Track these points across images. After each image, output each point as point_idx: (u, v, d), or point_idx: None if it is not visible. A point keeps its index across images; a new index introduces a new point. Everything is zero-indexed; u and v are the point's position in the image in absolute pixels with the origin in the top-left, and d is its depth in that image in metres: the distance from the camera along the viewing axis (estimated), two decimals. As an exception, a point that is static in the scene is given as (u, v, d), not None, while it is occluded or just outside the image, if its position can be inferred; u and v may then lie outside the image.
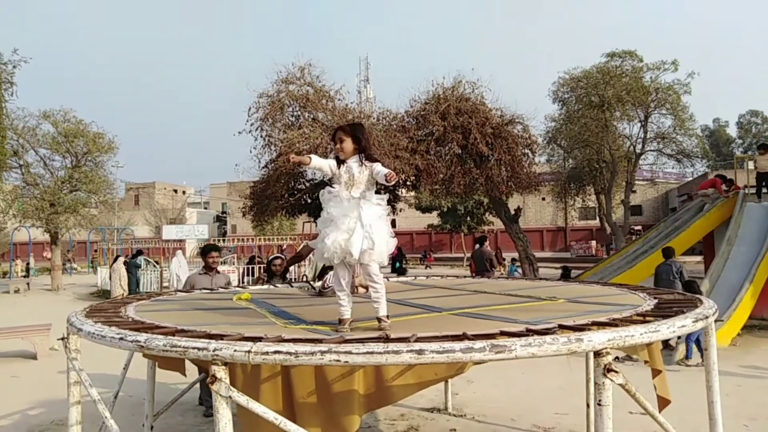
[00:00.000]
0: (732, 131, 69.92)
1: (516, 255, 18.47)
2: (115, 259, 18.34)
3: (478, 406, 6.01)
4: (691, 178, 40.80)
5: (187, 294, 5.26)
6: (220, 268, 7.15)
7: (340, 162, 2.98)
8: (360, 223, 2.80)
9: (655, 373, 3.40)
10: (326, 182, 15.19)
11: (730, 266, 10.65)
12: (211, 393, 2.33)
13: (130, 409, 5.86)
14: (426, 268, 34.90)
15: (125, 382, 4.34)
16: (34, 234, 30.40)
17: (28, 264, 30.54)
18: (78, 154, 23.39)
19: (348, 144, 2.96)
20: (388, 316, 2.84)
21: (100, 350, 3.28)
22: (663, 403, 3.40)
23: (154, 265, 20.20)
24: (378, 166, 2.89)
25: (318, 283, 5.34)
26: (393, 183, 2.89)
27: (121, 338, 2.62)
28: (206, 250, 6.61)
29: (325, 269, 5.72)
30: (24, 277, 26.62)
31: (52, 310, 14.86)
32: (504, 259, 23.62)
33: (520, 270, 18.22)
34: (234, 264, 21.33)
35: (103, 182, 24.03)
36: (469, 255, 18.33)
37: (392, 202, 14.11)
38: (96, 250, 31.08)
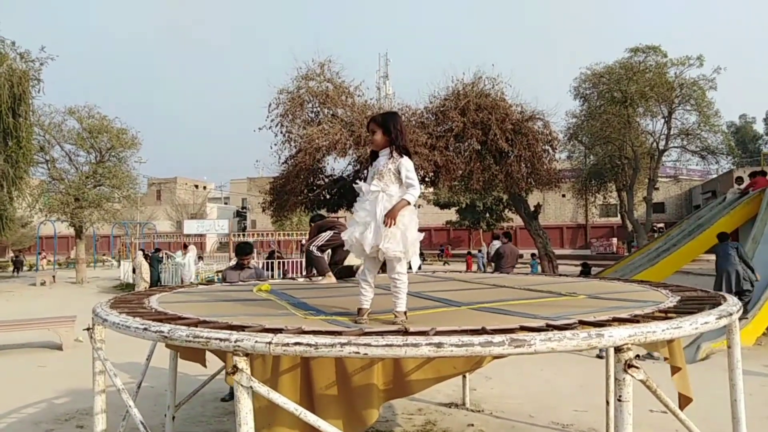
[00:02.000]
0: (759, 127, 68.26)
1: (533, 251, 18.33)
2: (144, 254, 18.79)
3: (496, 401, 5.99)
4: (715, 176, 40.00)
5: (207, 286, 5.34)
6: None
7: (374, 154, 2.98)
8: (375, 216, 2.78)
9: (675, 370, 3.35)
10: (345, 177, 15.20)
11: (756, 264, 10.42)
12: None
13: (153, 399, 5.97)
14: (444, 264, 34.82)
15: (147, 373, 4.42)
16: (59, 228, 31.07)
17: (17, 257, 31.06)
18: (102, 149, 23.84)
19: (379, 135, 2.92)
20: (406, 313, 2.82)
21: (124, 341, 3.35)
22: (685, 401, 3.36)
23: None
24: (405, 172, 2.83)
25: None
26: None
27: (145, 329, 2.67)
28: (238, 252, 6.76)
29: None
30: (14, 271, 27.14)
31: (77, 302, 15.18)
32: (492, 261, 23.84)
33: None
34: (254, 259, 21.49)
35: (126, 177, 24.46)
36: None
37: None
38: (123, 244, 31.67)
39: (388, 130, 2.92)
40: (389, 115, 3.03)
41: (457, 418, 5.48)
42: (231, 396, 5.93)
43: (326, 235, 5.58)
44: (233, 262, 6.82)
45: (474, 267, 23.61)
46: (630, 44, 25.68)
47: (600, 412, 5.03)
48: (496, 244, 16.91)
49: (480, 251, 24.33)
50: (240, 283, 5.82)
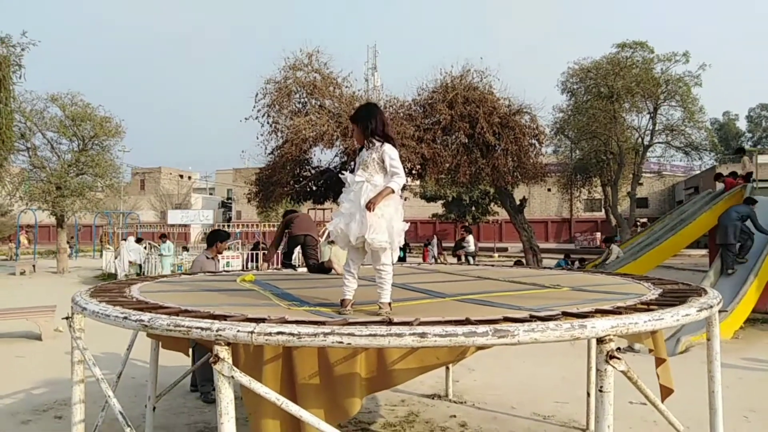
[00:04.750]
0: (742, 125, 69.34)
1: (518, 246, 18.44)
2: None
3: (478, 393, 6.02)
4: (698, 171, 40.52)
5: (191, 276, 5.29)
6: (225, 253, 7.23)
7: (361, 149, 2.98)
8: (359, 207, 2.77)
9: (659, 362, 3.39)
10: (331, 169, 15.23)
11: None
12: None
13: (133, 390, 5.91)
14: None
15: (128, 364, 4.36)
16: (40, 217, 30.59)
17: None
18: (85, 137, 23.42)
19: (357, 132, 2.95)
20: (390, 304, 2.82)
21: (105, 331, 3.30)
22: (666, 392, 3.40)
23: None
24: (389, 161, 2.81)
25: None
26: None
27: (125, 317, 2.63)
28: (225, 237, 6.60)
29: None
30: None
31: (57, 291, 14.97)
32: (443, 252, 24.34)
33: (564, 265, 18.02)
34: (239, 250, 21.42)
35: (109, 166, 24.06)
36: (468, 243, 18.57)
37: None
38: (104, 234, 31.26)
39: (363, 124, 2.92)
40: (362, 108, 3.03)
41: (439, 410, 5.50)
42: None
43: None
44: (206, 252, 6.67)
45: (429, 257, 23.89)
46: (617, 39, 25.85)
47: (581, 404, 5.09)
48: (471, 239, 17.09)
49: (430, 243, 24.69)
50: (223, 272, 5.78)
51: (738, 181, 13.38)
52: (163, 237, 19.64)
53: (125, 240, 20.01)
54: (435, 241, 24.73)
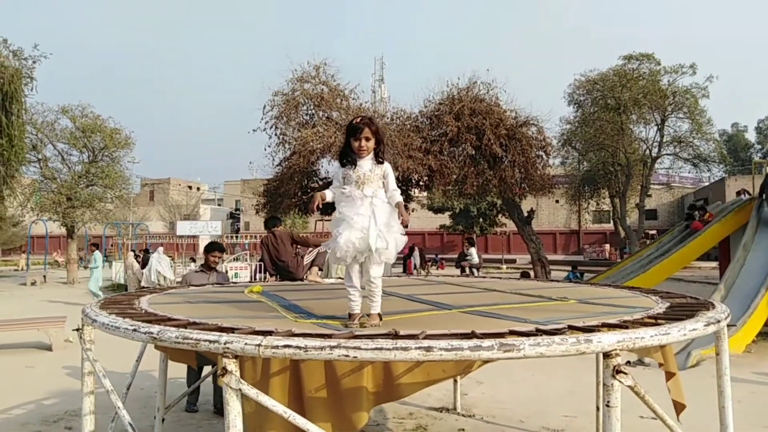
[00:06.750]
0: (751, 136, 68.85)
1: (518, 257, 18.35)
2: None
3: (486, 406, 5.99)
4: (707, 183, 40.32)
5: (199, 288, 5.32)
6: (233, 264, 7.22)
7: (346, 160, 2.97)
8: (374, 221, 2.78)
9: (669, 376, 3.37)
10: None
11: (746, 272, 10.50)
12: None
13: (142, 402, 5.93)
14: (437, 269, 34.77)
15: (137, 376, 4.39)
16: (51, 227, 30.85)
17: None
18: (95, 149, 23.70)
19: (372, 144, 2.94)
20: (380, 315, 2.84)
21: (114, 342, 3.32)
22: (679, 407, 3.37)
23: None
24: (391, 178, 2.93)
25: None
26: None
27: (135, 330, 2.65)
28: (211, 249, 6.45)
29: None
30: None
31: (68, 302, 15.07)
32: (428, 262, 24.37)
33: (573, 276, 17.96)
34: (247, 261, 21.47)
35: (119, 177, 24.31)
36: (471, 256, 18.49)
37: (405, 202, 14.18)
38: (112, 245, 31.41)
39: (379, 140, 2.96)
40: (377, 123, 3.06)
41: (447, 423, 5.48)
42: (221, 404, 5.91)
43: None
44: (196, 266, 6.68)
45: (413, 268, 24.01)
46: (624, 51, 25.88)
47: (590, 418, 5.05)
48: (474, 251, 17.06)
49: (412, 254, 24.75)
50: (231, 284, 5.81)
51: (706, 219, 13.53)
52: (93, 246, 17.23)
53: (148, 252, 19.85)
54: (416, 252, 24.82)
